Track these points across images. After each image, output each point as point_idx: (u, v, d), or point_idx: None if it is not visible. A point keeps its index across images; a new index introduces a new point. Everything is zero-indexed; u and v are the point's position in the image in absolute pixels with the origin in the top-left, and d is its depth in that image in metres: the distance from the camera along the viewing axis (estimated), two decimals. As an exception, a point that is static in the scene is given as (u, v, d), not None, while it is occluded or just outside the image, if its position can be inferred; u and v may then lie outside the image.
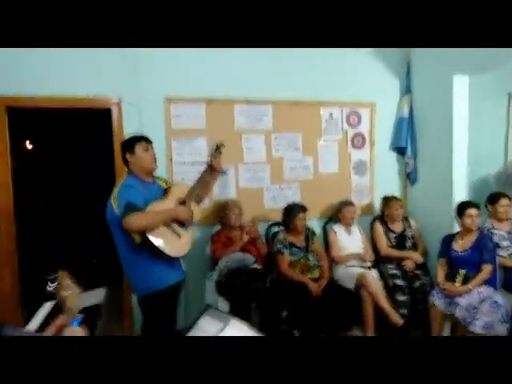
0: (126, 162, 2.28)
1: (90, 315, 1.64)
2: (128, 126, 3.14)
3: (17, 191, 3.08)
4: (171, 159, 3.30)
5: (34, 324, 2.06)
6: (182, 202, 2.29)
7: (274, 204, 3.52)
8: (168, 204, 2.23)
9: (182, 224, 2.24)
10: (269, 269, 3.14)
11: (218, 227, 3.27)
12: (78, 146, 5.04)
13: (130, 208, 2.03)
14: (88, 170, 5.00)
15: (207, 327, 1.40)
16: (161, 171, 3.14)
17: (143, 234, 2.07)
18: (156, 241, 2.10)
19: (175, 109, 3.29)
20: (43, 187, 4.92)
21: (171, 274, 2.27)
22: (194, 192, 2.37)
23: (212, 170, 2.46)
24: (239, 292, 2.80)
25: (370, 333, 3.04)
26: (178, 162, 3.31)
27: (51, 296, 1.15)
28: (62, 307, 1.16)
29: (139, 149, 2.25)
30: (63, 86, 3.02)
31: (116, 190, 2.16)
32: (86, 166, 5.02)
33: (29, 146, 5.00)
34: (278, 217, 3.38)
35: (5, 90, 2.91)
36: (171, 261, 2.24)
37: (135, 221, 2.02)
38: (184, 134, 3.32)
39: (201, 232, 3.30)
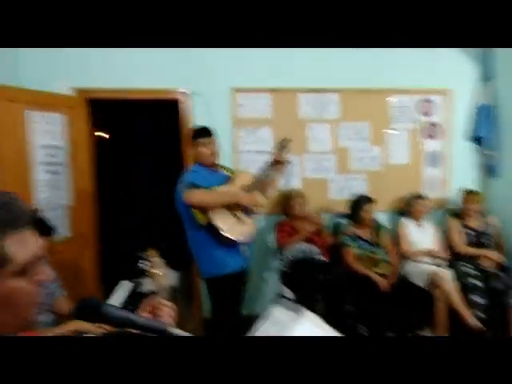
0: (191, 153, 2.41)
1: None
2: (195, 115, 3.23)
3: (96, 177, 3.30)
4: (237, 148, 3.34)
5: (114, 302, 2.20)
6: (246, 190, 2.33)
7: (338, 195, 3.44)
8: (231, 189, 2.30)
9: (245, 211, 2.27)
10: (334, 261, 3.07)
11: (282, 217, 3.27)
12: (150, 135, 5.29)
13: (192, 185, 2.15)
14: (158, 159, 5.24)
15: (279, 316, 1.40)
16: (226, 160, 3.21)
17: (207, 216, 2.14)
18: (218, 223, 2.16)
19: (241, 99, 3.32)
20: (119, 174, 5.24)
21: (233, 261, 2.32)
22: (258, 182, 2.39)
23: (277, 164, 2.46)
24: (304, 283, 2.78)
25: (442, 333, 2.87)
26: (244, 151, 3.34)
27: (142, 273, 1.20)
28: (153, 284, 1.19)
29: (198, 145, 2.36)
30: (137, 79, 3.17)
31: (183, 176, 2.30)
32: (157, 155, 5.27)
33: (106, 135, 5.33)
34: (343, 208, 3.29)
35: (86, 83, 3.12)
36: (233, 247, 2.28)
37: (196, 195, 2.13)
38: (249, 124, 3.34)
39: (265, 221, 3.31)
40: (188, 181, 2.20)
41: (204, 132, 2.40)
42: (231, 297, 2.37)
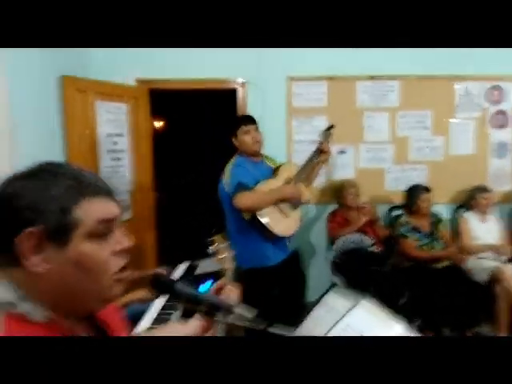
0: (233, 143, 2.38)
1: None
2: (251, 105, 3.26)
3: (156, 164, 3.47)
4: (291, 138, 3.34)
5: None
6: (290, 182, 2.31)
7: (395, 186, 3.34)
8: (276, 183, 2.27)
9: (290, 204, 2.27)
10: (388, 253, 3.01)
11: (335, 207, 3.24)
12: (208, 124, 5.44)
13: (241, 187, 2.12)
14: (216, 148, 5.38)
15: (334, 304, 1.41)
16: (280, 149, 3.24)
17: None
18: (263, 219, 2.17)
19: (297, 87, 3.30)
20: (177, 161, 5.46)
21: (276, 253, 2.31)
22: (302, 173, 2.37)
23: (321, 153, 2.41)
24: (355, 274, 2.75)
25: (503, 332, 2.73)
26: (298, 141, 3.33)
27: (212, 256, 1.27)
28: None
29: (240, 133, 2.33)
30: (194, 70, 3.26)
31: (228, 169, 2.28)
32: (214, 143, 5.41)
33: (164, 124, 5.56)
34: (399, 200, 3.20)
35: (148, 74, 3.26)
36: (276, 241, 2.28)
37: (245, 200, 2.11)
38: (304, 113, 3.32)
39: (317, 211, 3.31)
40: (236, 180, 2.17)
41: (247, 119, 2.39)
42: (268, 289, 2.38)
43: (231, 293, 1.02)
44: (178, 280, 0.79)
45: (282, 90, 3.30)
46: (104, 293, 0.69)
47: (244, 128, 2.32)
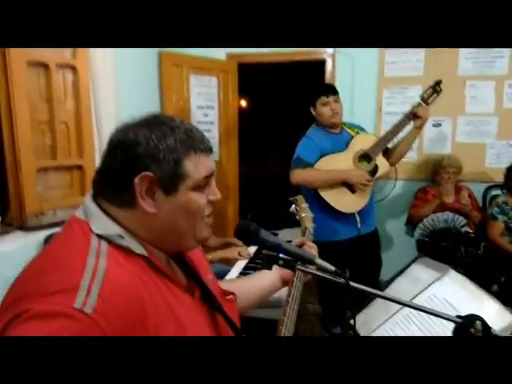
0: (311, 113, 2.31)
1: None
2: (341, 76, 3.17)
3: (240, 136, 3.59)
4: (380, 109, 3.19)
5: (254, 247, 2.41)
6: (363, 156, 2.19)
7: (497, 163, 3.01)
8: (345, 157, 2.17)
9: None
10: (483, 235, 2.77)
11: (426, 183, 3.05)
12: (296, 96, 5.41)
13: (298, 162, 2.09)
14: (303, 119, 5.37)
15: (421, 274, 1.36)
16: (369, 120, 3.12)
17: None
18: (324, 194, 2.11)
19: (390, 56, 3.12)
20: (263, 133, 5.55)
21: (343, 230, 2.24)
22: (380, 144, 2.21)
23: (415, 118, 2.16)
24: (445, 254, 2.59)
25: None
26: (388, 112, 3.17)
27: (293, 215, 1.31)
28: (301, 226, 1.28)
29: (319, 103, 2.25)
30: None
31: (300, 142, 2.24)
32: (302, 115, 5.40)
33: (251, 98, 5.66)
34: (501, 178, 2.89)
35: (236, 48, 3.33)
36: (345, 216, 2.21)
37: (298, 176, 2.07)
38: (397, 83, 3.13)
39: (405, 187, 3.15)
40: (296, 154, 2.13)
41: (327, 89, 2.29)
42: (339, 263, 2.34)
43: (311, 249, 1.05)
44: (262, 229, 0.84)
45: (374, 59, 3.14)
46: (198, 234, 0.78)
47: (323, 99, 2.24)
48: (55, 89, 1.88)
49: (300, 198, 1.37)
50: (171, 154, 0.70)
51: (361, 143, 2.24)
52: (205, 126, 3.27)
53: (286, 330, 0.92)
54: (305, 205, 1.34)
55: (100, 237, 0.67)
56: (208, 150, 0.77)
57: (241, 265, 2.18)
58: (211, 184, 0.79)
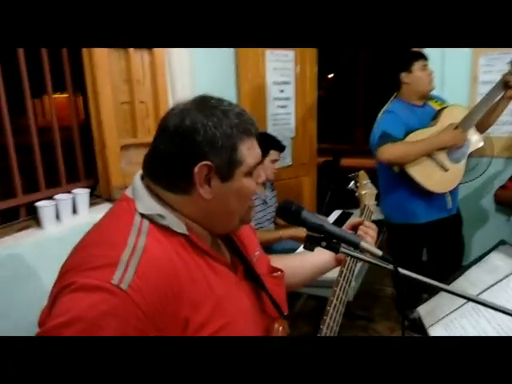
0: (397, 82, 2.07)
1: None
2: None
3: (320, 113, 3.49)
4: (475, 77, 2.84)
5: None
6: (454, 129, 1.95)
7: None
8: (434, 131, 1.94)
9: (451, 156, 1.95)
10: None
11: None
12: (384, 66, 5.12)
13: (385, 137, 1.88)
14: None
15: (498, 263, 1.23)
16: (462, 91, 2.81)
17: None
18: (414, 172, 1.90)
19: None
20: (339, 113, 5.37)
21: (431, 211, 2.05)
22: (471, 117, 1.94)
23: (507, 88, 1.91)
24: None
25: None
26: (484, 82, 2.81)
27: (352, 192, 1.26)
28: (360, 204, 1.22)
29: (417, 67, 2.01)
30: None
31: (379, 116, 2.05)
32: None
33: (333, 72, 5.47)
34: None
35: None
36: (430, 197, 2.01)
37: (388, 153, 1.87)
38: (498, 48, 2.75)
39: (503, 165, 2.80)
40: (380, 130, 1.93)
41: (421, 54, 2.05)
42: (416, 247, 2.17)
43: (369, 230, 1.00)
44: (304, 209, 0.81)
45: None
46: (245, 217, 0.81)
47: (421, 63, 2.02)
48: (134, 71, 2.01)
49: (362, 173, 1.30)
50: (228, 141, 0.70)
51: (451, 116, 2.01)
52: (280, 102, 3.24)
53: (335, 310, 0.90)
54: (366, 181, 1.27)
55: (143, 216, 0.70)
56: (256, 132, 0.77)
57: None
58: (259, 167, 0.79)
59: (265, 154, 2.30)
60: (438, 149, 1.93)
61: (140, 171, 0.78)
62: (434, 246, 2.22)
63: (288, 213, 0.81)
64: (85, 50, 1.87)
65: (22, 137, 1.80)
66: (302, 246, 0.80)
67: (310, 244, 0.81)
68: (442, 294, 1.22)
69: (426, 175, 1.94)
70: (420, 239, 2.17)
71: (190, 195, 0.72)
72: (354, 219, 1.05)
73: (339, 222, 2.52)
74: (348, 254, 0.80)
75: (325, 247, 0.80)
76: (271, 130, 3.18)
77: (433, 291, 1.28)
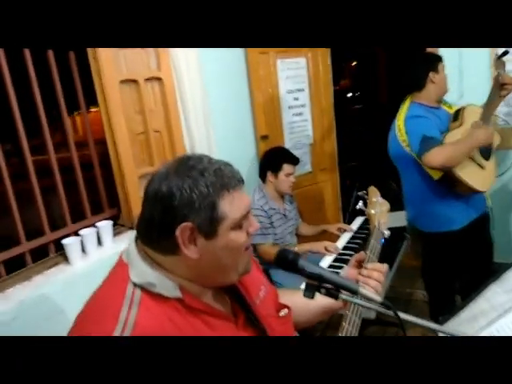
0: (421, 82, 2.01)
1: (394, 236, 1.69)
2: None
3: (337, 117, 3.45)
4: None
5: (342, 240, 2.35)
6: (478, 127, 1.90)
7: None
8: (464, 131, 1.90)
9: (483, 153, 1.91)
10: None
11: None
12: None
13: (428, 141, 1.82)
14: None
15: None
16: (481, 91, 2.67)
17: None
18: (464, 175, 1.85)
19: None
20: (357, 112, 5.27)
21: (470, 212, 2.01)
22: (487, 114, 1.90)
23: (501, 87, 1.85)
24: None
25: None
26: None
27: (362, 212, 1.21)
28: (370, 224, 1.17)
29: (441, 67, 2.00)
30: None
31: (401, 123, 1.98)
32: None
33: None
34: None
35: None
36: (467, 200, 1.97)
37: (438, 156, 1.79)
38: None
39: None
40: (418, 135, 1.85)
41: (440, 56, 2.04)
42: (453, 254, 2.10)
43: (373, 273, 0.95)
44: (301, 256, 0.82)
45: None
46: (241, 268, 0.81)
47: (442, 64, 2.02)
48: (146, 101, 2.07)
49: (372, 190, 1.24)
50: (205, 200, 0.72)
51: (474, 115, 1.97)
52: (296, 110, 3.23)
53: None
54: (376, 198, 1.21)
55: (135, 284, 0.73)
56: (240, 182, 0.78)
57: (329, 259, 2.16)
58: (249, 217, 0.80)
59: (278, 168, 2.31)
60: (476, 145, 1.89)
61: (135, 234, 0.81)
62: (467, 247, 2.16)
63: (285, 262, 0.82)
64: (97, 85, 1.95)
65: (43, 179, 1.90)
66: (302, 294, 0.79)
67: (309, 292, 0.81)
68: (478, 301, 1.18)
69: (471, 176, 1.89)
70: (457, 245, 2.12)
71: (179, 256, 0.74)
72: (359, 254, 1.03)
73: (363, 228, 2.49)
74: (347, 301, 0.80)
75: (324, 294, 0.81)
76: (288, 138, 3.18)
77: (466, 295, 1.22)
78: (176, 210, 0.71)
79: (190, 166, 0.74)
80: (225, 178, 0.75)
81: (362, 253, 1.04)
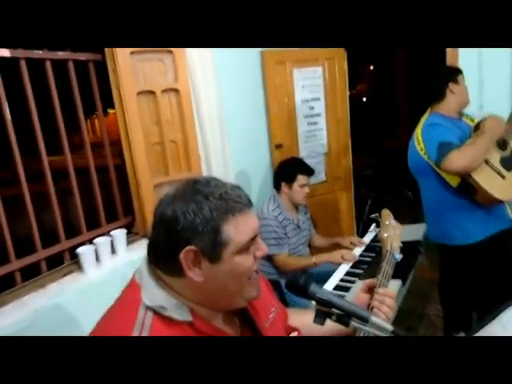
0: (441, 92, 1.99)
1: (409, 250, 1.65)
2: (464, 54, 2.70)
3: (353, 126, 3.43)
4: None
5: (357, 251, 2.33)
6: (501, 142, 1.87)
7: None
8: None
9: (505, 163, 1.87)
10: None
11: None
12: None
13: (446, 146, 1.78)
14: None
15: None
16: (502, 102, 2.63)
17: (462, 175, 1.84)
18: (482, 182, 1.80)
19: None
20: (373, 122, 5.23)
21: (492, 223, 1.94)
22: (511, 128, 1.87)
23: None
24: None
25: None
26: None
27: (376, 221, 1.19)
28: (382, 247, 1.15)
29: (461, 79, 1.98)
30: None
31: (419, 132, 1.96)
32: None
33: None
34: None
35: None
36: (492, 209, 1.92)
37: (457, 159, 1.75)
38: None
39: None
40: (435, 142, 1.83)
41: (458, 69, 2.02)
42: (469, 269, 2.05)
43: (385, 299, 0.94)
44: (312, 282, 0.81)
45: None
46: (246, 294, 0.81)
47: (462, 76, 2.01)
48: (163, 112, 2.09)
49: (385, 213, 1.23)
50: (209, 224, 0.72)
51: (494, 126, 1.90)
52: (311, 119, 3.22)
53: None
54: (389, 221, 1.20)
55: (147, 307, 0.74)
56: (246, 206, 0.78)
57: (344, 268, 2.14)
58: (256, 241, 0.80)
59: (293, 179, 2.30)
60: (491, 139, 1.85)
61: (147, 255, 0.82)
62: (485, 263, 2.11)
63: (296, 287, 0.81)
64: (115, 96, 1.99)
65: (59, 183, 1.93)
66: (312, 320, 0.79)
67: (320, 318, 0.81)
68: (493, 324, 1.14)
69: (491, 184, 1.83)
70: (473, 261, 2.07)
71: (185, 278, 0.75)
72: (370, 280, 1.02)
73: (376, 241, 2.46)
74: (358, 329, 0.79)
75: (335, 321, 0.80)
76: (303, 147, 3.17)
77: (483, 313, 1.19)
78: (180, 233, 0.72)
79: (195, 190, 0.75)
80: (230, 201, 0.75)
81: (372, 279, 1.02)
